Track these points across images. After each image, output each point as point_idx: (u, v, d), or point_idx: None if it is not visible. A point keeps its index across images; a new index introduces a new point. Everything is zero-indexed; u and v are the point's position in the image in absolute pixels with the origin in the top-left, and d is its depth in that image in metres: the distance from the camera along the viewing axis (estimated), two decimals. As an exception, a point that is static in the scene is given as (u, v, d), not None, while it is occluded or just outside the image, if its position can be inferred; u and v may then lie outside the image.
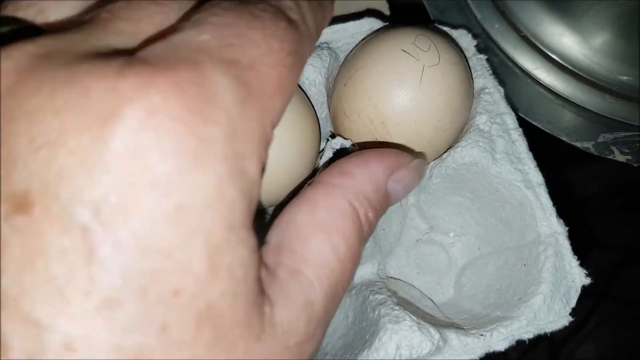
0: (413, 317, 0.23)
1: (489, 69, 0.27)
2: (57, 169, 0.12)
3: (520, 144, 0.26)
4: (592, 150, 0.30)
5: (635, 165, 0.30)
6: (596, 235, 0.41)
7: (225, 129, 0.13)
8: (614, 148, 0.30)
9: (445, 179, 0.27)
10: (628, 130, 0.30)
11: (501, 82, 0.28)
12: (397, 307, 0.23)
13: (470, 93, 0.26)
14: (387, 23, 0.28)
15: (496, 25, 0.33)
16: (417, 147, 0.25)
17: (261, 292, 0.15)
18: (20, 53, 0.13)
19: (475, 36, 0.29)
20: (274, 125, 0.15)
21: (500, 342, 0.23)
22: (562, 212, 0.26)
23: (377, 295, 0.25)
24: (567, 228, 0.25)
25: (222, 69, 0.13)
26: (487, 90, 0.27)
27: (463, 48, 0.28)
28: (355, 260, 0.18)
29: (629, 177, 0.33)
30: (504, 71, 0.33)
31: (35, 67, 0.13)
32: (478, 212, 0.28)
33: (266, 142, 0.14)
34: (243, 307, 0.14)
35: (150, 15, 0.15)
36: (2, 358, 0.12)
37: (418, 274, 0.29)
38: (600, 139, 0.30)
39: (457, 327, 0.25)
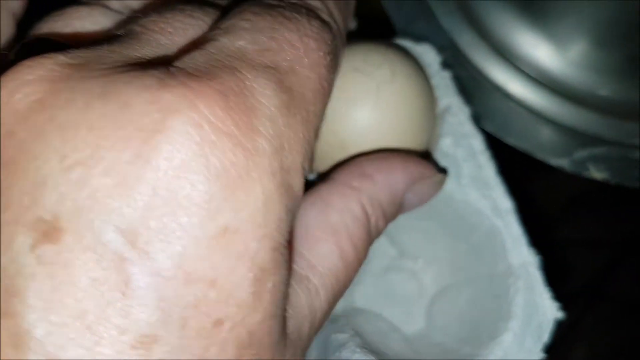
0: (374, 360, 0.22)
1: (453, 87, 0.26)
2: (90, 191, 0.11)
3: (488, 168, 0.24)
4: (567, 167, 0.29)
5: (612, 182, 0.28)
6: (582, 239, 0.40)
7: (272, 141, 0.12)
8: (589, 165, 0.28)
9: (412, 203, 0.26)
10: (605, 146, 0.29)
11: (471, 97, 0.27)
12: (358, 350, 0.22)
13: (431, 106, 0.24)
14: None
15: (465, 36, 0.31)
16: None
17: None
18: (52, 62, 0.12)
19: (442, 49, 0.27)
20: (317, 133, 0.14)
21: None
22: (537, 228, 0.24)
23: (339, 335, 0.23)
24: (538, 257, 0.23)
25: (264, 75, 0.13)
26: (451, 111, 0.25)
27: (426, 65, 0.26)
28: (359, 266, 0.18)
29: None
30: (474, 86, 0.31)
31: (68, 78, 0.12)
32: (448, 238, 0.27)
33: (310, 153, 0.14)
34: (278, 328, 0.13)
35: (183, 28, 0.14)
36: None
37: (387, 303, 0.28)
38: (576, 156, 0.29)
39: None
